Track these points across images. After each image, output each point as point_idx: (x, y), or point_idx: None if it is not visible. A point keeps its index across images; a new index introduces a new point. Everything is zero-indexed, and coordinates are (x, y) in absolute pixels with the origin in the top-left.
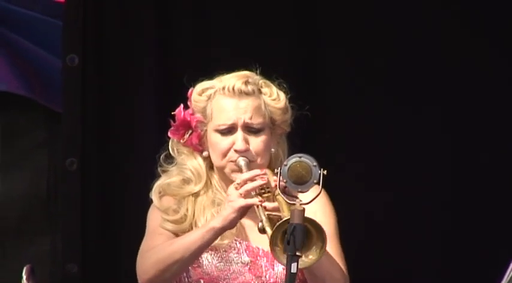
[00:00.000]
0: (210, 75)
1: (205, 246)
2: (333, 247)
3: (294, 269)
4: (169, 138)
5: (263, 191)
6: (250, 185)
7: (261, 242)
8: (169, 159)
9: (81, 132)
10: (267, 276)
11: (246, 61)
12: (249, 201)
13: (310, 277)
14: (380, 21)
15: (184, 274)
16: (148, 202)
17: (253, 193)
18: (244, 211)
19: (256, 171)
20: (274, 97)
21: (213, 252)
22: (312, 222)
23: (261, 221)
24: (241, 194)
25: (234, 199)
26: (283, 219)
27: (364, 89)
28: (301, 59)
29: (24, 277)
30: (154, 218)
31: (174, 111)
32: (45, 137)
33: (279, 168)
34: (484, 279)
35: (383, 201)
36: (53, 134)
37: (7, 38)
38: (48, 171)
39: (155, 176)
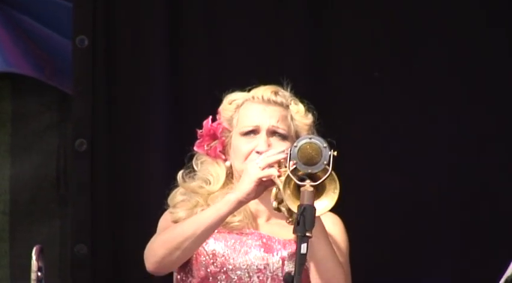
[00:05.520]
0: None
1: (219, 220)
2: (344, 268)
3: (303, 250)
4: (188, 157)
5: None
6: (270, 159)
7: (274, 233)
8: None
9: (91, 113)
10: (277, 254)
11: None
12: (266, 171)
13: (316, 277)
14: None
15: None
16: (159, 182)
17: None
18: (261, 186)
19: (277, 149)
20: (302, 114)
21: (224, 234)
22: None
23: (277, 192)
24: (260, 167)
25: (252, 171)
26: (289, 171)
27: (372, 82)
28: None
29: (34, 257)
30: (165, 220)
31: (183, 91)
32: (55, 119)
33: (289, 149)
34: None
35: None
36: (63, 116)
37: (16, 19)
38: (58, 153)
39: (165, 157)
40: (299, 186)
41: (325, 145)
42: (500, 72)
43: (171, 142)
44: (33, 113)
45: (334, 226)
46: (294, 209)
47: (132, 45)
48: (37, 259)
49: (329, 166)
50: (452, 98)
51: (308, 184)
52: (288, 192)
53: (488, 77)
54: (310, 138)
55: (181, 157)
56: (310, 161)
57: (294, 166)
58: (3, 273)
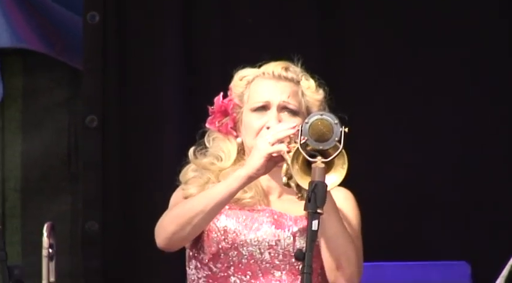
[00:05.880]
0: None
1: (230, 196)
2: (355, 244)
3: (315, 226)
4: (200, 134)
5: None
6: (279, 134)
7: (285, 209)
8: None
9: (102, 89)
10: (289, 230)
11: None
12: (276, 147)
13: (327, 254)
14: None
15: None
16: (170, 158)
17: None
18: (271, 161)
19: (287, 123)
20: (313, 89)
21: (235, 210)
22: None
23: (287, 168)
24: (270, 142)
25: (262, 147)
26: (299, 145)
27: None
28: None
29: (45, 234)
30: (176, 196)
31: (195, 67)
32: (65, 96)
33: (301, 126)
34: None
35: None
36: (73, 92)
37: None
38: (69, 130)
39: (176, 133)
40: (308, 162)
41: (336, 121)
42: (504, 64)
43: (183, 118)
44: (43, 89)
45: (345, 201)
46: (302, 184)
47: (144, 21)
48: (48, 236)
49: (340, 142)
50: (456, 89)
51: (319, 161)
52: (296, 167)
53: (492, 69)
54: (321, 115)
55: (192, 133)
56: (321, 138)
57: (304, 141)
58: (14, 249)
